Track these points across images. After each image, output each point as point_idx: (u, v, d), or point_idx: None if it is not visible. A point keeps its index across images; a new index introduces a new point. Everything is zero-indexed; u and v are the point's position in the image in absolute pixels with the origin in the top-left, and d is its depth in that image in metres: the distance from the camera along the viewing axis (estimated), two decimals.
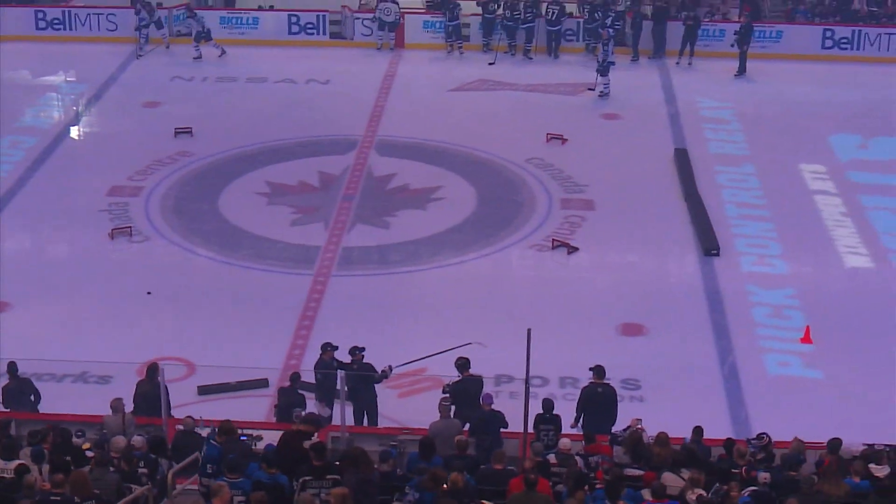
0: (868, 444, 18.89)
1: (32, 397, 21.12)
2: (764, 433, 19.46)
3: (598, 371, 21.07)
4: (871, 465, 17.95)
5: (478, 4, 42.57)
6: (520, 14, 42.03)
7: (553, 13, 42.02)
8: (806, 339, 25.33)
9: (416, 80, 40.16)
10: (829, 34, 42.84)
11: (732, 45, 41.22)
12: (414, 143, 34.82)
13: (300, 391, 21.22)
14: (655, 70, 41.36)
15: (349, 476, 16.08)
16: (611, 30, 39.96)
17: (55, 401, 21.46)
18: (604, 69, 38.31)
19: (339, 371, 20.86)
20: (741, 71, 40.77)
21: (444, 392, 20.66)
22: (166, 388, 20.06)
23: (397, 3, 42.77)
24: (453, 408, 20.27)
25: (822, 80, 40.66)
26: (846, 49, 42.69)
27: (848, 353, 24.95)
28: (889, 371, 24.20)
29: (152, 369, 20.73)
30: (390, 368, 21.40)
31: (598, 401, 20.81)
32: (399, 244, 29.25)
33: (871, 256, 29.06)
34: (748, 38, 40.91)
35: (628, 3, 42.63)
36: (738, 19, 42.44)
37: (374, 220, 30.44)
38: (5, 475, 16.44)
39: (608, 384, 21.05)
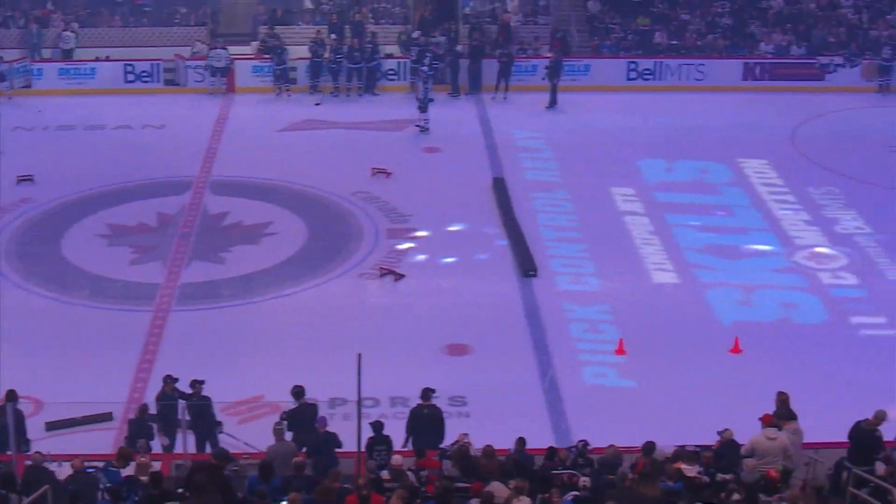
0: (679, 446, 19.33)
1: None
2: (583, 440, 19.87)
3: (424, 393, 21.36)
4: (683, 465, 18.38)
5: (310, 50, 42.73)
6: (343, 56, 42.28)
7: (367, 51, 42.38)
8: (620, 350, 25.85)
9: (247, 123, 40.11)
10: (633, 66, 43.85)
11: (544, 79, 41.95)
12: (246, 181, 34.77)
13: (149, 422, 21.06)
14: (473, 105, 41.93)
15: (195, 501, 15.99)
16: (427, 69, 40.33)
17: None
18: (424, 106, 38.69)
19: (179, 402, 20.79)
20: (552, 103, 41.47)
21: (282, 419, 20.67)
22: (17, 420, 19.74)
23: (227, 50, 42.73)
24: (288, 431, 20.29)
25: (628, 109, 41.57)
26: (649, 80, 43.74)
27: (658, 362, 25.53)
28: (695, 378, 24.87)
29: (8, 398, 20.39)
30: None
31: (426, 420, 21.06)
32: (234, 278, 29.16)
33: (677, 272, 29.81)
34: (558, 72, 41.64)
35: (446, 44, 43.01)
36: (548, 55, 43.12)
37: (211, 256, 30.31)
38: None
39: (434, 405, 21.31)
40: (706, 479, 18.17)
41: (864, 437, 19.50)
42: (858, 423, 19.69)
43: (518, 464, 18.39)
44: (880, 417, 19.66)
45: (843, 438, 19.98)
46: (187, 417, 20.49)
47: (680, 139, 38.94)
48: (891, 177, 36.11)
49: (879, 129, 40.53)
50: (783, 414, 20.01)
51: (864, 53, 44.75)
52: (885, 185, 35.45)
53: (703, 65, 43.96)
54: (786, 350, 26.21)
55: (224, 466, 17.49)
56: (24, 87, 41.82)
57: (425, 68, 40.31)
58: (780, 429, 19.28)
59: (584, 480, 17.61)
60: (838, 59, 44.37)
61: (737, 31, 45.69)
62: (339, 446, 19.77)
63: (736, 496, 16.78)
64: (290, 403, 20.92)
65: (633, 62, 43.94)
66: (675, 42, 45.20)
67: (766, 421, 19.39)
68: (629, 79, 43.72)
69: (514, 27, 45.34)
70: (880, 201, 34.33)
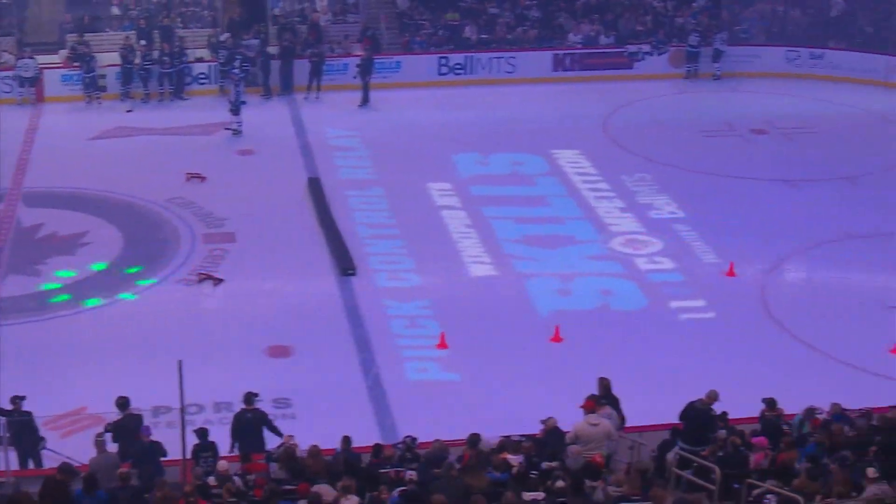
0: (504, 436, 19.60)
1: None
2: (409, 436, 20.02)
3: (247, 398, 21.28)
4: (508, 456, 18.63)
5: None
6: (152, 62, 41.86)
7: (176, 55, 42.05)
8: (442, 344, 26.06)
9: (58, 132, 39.37)
10: (444, 61, 44.23)
11: (355, 77, 42.09)
12: (60, 191, 34.11)
13: None
14: (286, 105, 41.84)
15: None
16: (238, 71, 40.09)
17: None
18: (236, 108, 38.48)
19: (0, 418, 20.38)
20: (365, 101, 41.61)
21: (106, 430, 20.38)
22: None
23: (35, 59, 41.92)
24: (113, 442, 20.03)
25: (441, 104, 41.95)
26: (460, 74, 44.17)
27: (480, 354, 25.81)
28: (517, 367, 25.24)
29: None
30: None
31: (249, 425, 21.00)
32: (52, 290, 28.62)
33: (495, 264, 30.17)
34: (370, 70, 41.78)
35: (257, 45, 42.80)
36: (359, 53, 43.19)
37: (26, 268, 29.70)
38: None
39: (257, 409, 21.22)
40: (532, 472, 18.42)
41: (700, 417, 20.00)
42: (692, 403, 20.17)
43: (346, 463, 18.43)
44: (712, 397, 20.17)
45: (666, 420, 20.54)
46: (8, 434, 20.04)
47: (494, 132, 39.42)
48: (702, 161, 37.09)
49: (689, 115, 41.71)
50: (600, 400, 20.42)
51: (671, 41, 45.85)
52: (696, 170, 36.42)
53: (513, 57, 44.57)
54: (606, 336, 26.72)
55: (69, 481, 17.19)
56: None
57: (236, 71, 40.09)
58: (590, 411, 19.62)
59: (411, 475, 17.73)
60: (646, 48, 45.42)
61: (546, 23, 46.38)
62: (164, 455, 19.55)
63: (560, 483, 17.05)
64: (114, 414, 20.60)
65: (443, 57, 44.31)
66: (485, 36, 45.71)
67: (588, 407, 19.75)
68: (440, 74, 44.09)
69: (323, 26, 45.34)
70: (693, 186, 35.24)
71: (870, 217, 33.06)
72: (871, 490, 15.96)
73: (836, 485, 16.41)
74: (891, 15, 47.17)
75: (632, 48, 45.39)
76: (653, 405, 22.15)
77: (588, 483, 17.13)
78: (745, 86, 45.02)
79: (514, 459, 18.53)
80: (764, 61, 45.99)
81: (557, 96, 43.14)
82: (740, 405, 21.14)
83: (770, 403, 20.59)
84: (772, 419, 20.28)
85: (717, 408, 20.35)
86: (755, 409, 20.77)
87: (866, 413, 20.65)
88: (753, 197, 34.48)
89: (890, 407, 20.74)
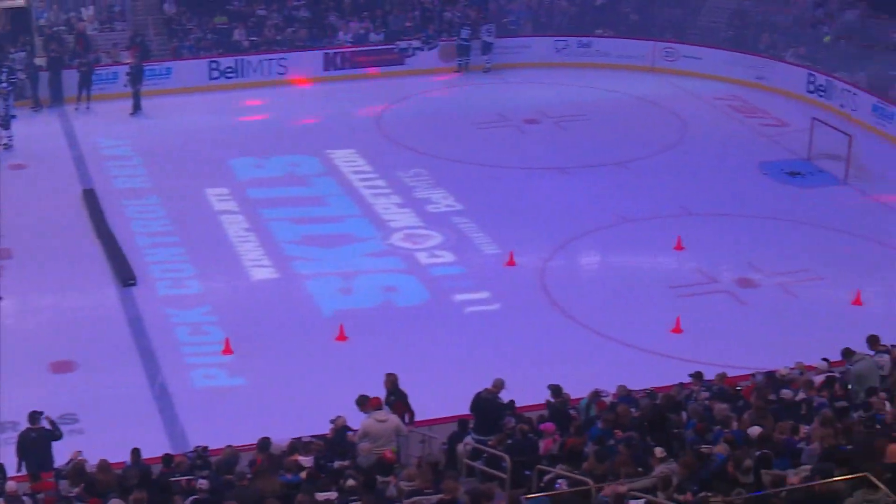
0: (294, 438, 19.61)
1: None
2: (200, 445, 19.86)
3: (31, 417, 20.80)
4: (300, 457, 18.64)
5: None
6: None
7: None
8: (227, 350, 25.95)
9: None
10: (214, 66, 43.85)
11: (126, 86, 41.40)
12: None
13: None
14: (56, 117, 40.86)
15: None
16: (6, 84, 39.07)
17: None
18: (5, 122, 37.56)
19: None
20: (136, 109, 40.96)
21: None
22: None
23: None
24: None
25: (215, 109, 41.58)
26: (232, 78, 43.84)
27: (266, 358, 25.84)
28: (304, 369, 25.38)
29: None
30: None
31: (33, 444, 20.59)
32: None
33: (276, 266, 30.15)
34: (140, 78, 41.13)
35: (24, 57, 41.73)
36: (128, 61, 42.45)
37: None
38: None
39: (42, 427, 20.74)
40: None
41: (487, 406, 20.32)
42: (479, 393, 20.48)
43: (139, 475, 18.21)
44: (499, 385, 20.51)
45: (455, 412, 20.83)
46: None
47: (269, 135, 39.30)
48: (477, 153, 37.61)
49: (462, 108, 42.23)
50: (388, 399, 20.63)
51: (441, 35, 46.33)
52: (471, 162, 36.91)
53: (284, 59, 44.46)
54: (391, 333, 26.96)
55: None
56: None
57: (4, 84, 38.98)
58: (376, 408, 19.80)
59: (203, 483, 17.63)
60: (416, 43, 45.78)
61: (315, 23, 46.38)
62: None
63: (352, 482, 17.15)
64: None
65: (214, 61, 43.95)
66: (254, 38, 45.44)
67: (374, 404, 19.90)
68: (212, 78, 43.70)
69: (91, 35, 44.37)
70: (469, 178, 35.72)
71: (642, 201, 34.05)
72: (659, 469, 16.42)
73: (624, 465, 16.84)
74: (654, 1, 48.50)
75: (402, 44, 45.73)
76: (442, 398, 22.49)
77: (380, 479, 17.26)
78: (515, 77, 45.75)
79: (305, 461, 18.55)
80: (533, 51, 46.81)
81: (330, 95, 43.23)
82: (528, 393, 21.62)
83: (555, 390, 20.97)
84: (558, 405, 20.70)
85: (506, 396, 20.73)
86: (543, 395, 21.17)
87: (650, 393, 21.26)
88: (529, 186, 35.14)
89: (673, 385, 21.42)
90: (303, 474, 17.87)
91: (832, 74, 42.27)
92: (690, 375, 21.93)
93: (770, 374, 21.81)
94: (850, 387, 20.49)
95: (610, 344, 26.68)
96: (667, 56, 46.10)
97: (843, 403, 19.60)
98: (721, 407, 19.36)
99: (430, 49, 45.95)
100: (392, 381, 21.06)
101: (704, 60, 45.39)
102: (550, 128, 40.44)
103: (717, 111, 42.12)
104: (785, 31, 45.94)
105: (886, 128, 39.24)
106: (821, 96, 42.16)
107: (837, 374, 21.31)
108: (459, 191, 34.70)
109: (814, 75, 42.72)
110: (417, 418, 21.14)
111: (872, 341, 21.76)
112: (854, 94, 40.95)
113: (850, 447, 15.95)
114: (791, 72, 43.61)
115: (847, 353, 21.54)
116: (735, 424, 18.51)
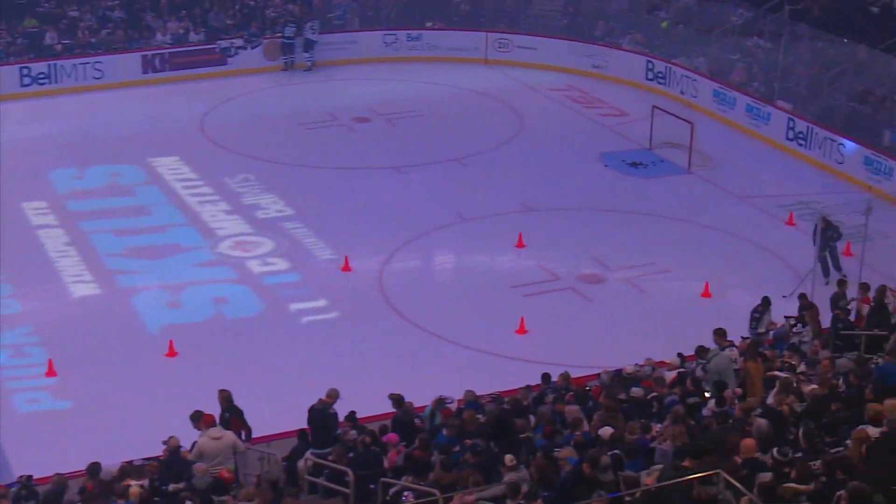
0: (126, 462, 19.32)
1: None
2: (26, 475, 19.39)
3: None
4: (132, 482, 18.33)
5: None
6: None
7: None
8: (50, 372, 25.39)
9: None
10: (25, 71, 42.96)
11: None
12: None
13: None
14: None
15: None
16: None
17: None
18: None
19: None
20: None
21: None
22: None
23: None
24: None
25: (29, 118, 40.81)
26: (45, 84, 42.99)
27: (92, 379, 25.36)
28: (133, 388, 24.95)
29: None
30: None
31: None
32: None
33: (98, 281, 29.63)
34: None
35: None
36: None
37: None
38: None
39: None
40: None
41: (321, 418, 20.21)
42: (313, 406, 20.36)
43: None
44: (332, 396, 20.39)
45: (294, 427, 20.67)
46: None
47: (88, 144, 38.68)
48: (306, 155, 37.47)
49: (289, 108, 42.09)
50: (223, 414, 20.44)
51: (264, 33, 46.06)
52: (301, 164, 36.78)
53: (99, 62, 43.72)
54: (223, 346, 26.70)
55: None
56: None
57: None
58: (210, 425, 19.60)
59: None
60: (238, 42, 45.44)
61: (132, 24, 45.72)
62: None
63: (189, 503, 16.97)
64: None
65: (25, 67, 43.03)
66: (67, 41, 44.62)
67: (208, 422, 19.67)
68: (23, 85, 42.78)
69: None
70: (299, 181, 35.58)
71: (481, 198, 34.26)
72: (508, 477, 16.50)
73: (471, 474, 16.87)
74: None
75: (223, 43, 45.35)
76: (280, 412, 22.33)
77: (217, 500, 17.08)
78: (343, 73, 45.73)
79: (138, 484, 18.25)
80: (361, 47, 46.83)
81: (150, 100, 42.75)
82: (371, 402, 21.59)
83: (396, 400, 20.88)
84: (401, 415, 20.65)
85: (347, 407, 20.65)
86: (386, 405, 21.10)
87: (496, 397, 21.34)
88: (363, 187, 35.10)
89: (520, 388, 21.53)
90: (135, 499, 17.58)
91: (671, 61, 43.05)
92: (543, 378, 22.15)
93: (617, 373, 22.09)
94: (704, 385, 20.76)
95: (453, 348, 26.75)
96: (500, 47, 46.47)
97: (694, 399, 19.94)
98: (572, 409, 19.53)
99: (253, 48, 45.67)
100: (226, 398, 20.81)
101: (539, 50, 45.88)
102: (382, 126, 40.49)
103: (555, 102, 42.61)
104: (621, 18, 46.64)
105: (728, 113, 40.08)
106: (660, 83, 42.91)
107: (689, 370, 21.68)
108: (290, 195, 34.53)
109: (652, 62, 43.45)
110: (256, 434, 20.92)
111: (719, 335, 22.10)
112: (694, 80, 41.75)
113: (703, 444, 16.19)
114: (629, 59, 44.31)
115: (700, 351, 21.93)
116: (585, 426, 18.69)
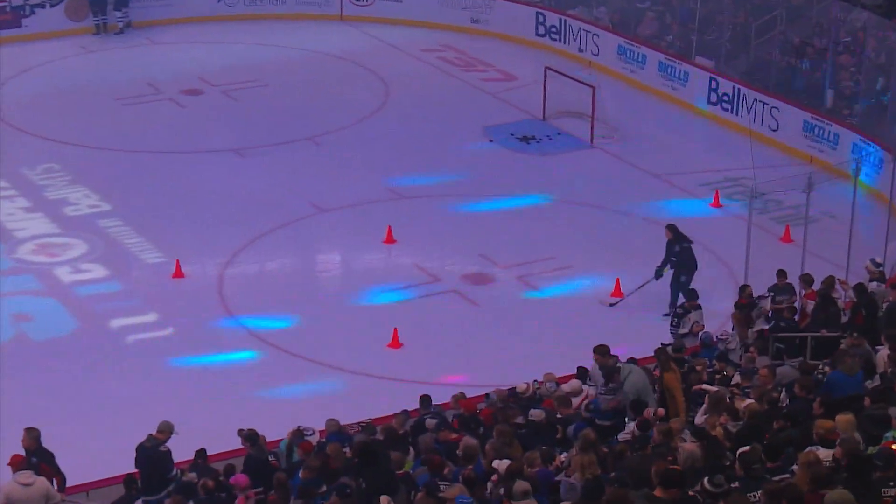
0: None
1: None
2: None
3: None
4: None
5: None
6: None
7: None
8: None
9: None
10: None
11: None
12: None
13: None
14: None
15: None
16: None
17: None
18: None
19: None
20: None
21: None
22: None
23: None
24: None
25: None
26: None
27: None
28: None
29: None
30: None
31: None
32: None
33: None
34: None
35: None
36: None
37: None
38: None
39: None
40: None
41: (151, 458, 20.11)
42: (141, 443, 20.26)
43: None
44: (166, 431, 20.22)
45: (120, 472, 20.61)
46: None
47: None
48: (124, 137, 37.15)
49: (102, 80, 41.64)
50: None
51: None
52: (118, 148, 36.45)
53: None
54: (28, 375, 26.41)
55: None
56: None
57: None
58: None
59: None
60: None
61: None
62: None
63: None
64: None
65: None
66: None
67: (16, 463, 19.51)
68: None
69: None
70: (117, 169, 35.33)
71: (341, 184, 34.32)
72: None
73: None
74: None
75: (16, 1, 44.75)
76: (101, 454, 22.24)
77: None
78: (167, 36, 45.31)
79: None
80: (186, 4, 46.42)
81: None
82: (217, 438, 21.68)
83: (248, 437, 20.70)
84: (255, 453, 20.55)
85: (185, 444, 20.55)
86: (235, 441, 21.04)
87: (366, 426, 21.34)
88: (195, 175, 35.00)
89: (395, 414, 21.55)
90: None
91: (566, 12, 43.37)
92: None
93: (512, 391, 22.19)
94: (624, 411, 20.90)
95: (312, 367, 26.81)
96: (358, 1, 46.47)
97: (605, 422, 20.14)
98: (469, 442, 19.47)
99: (52, 5, 45.13)
100: (33, 438, 20.53)
101: (406, 4, 45.92)
102: (218, 99, 40.37)
103: (427, 66, 42.76)
104: None
105: (636, 73, 40.55)
106: (554, 40, 43.20)
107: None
108: (106, 186, 34.30)
109: (543, 14, 43.71)
110: (71, 482, 20.73)
111: (599, 352, 21.53)
112: (595, 34, 42.04)
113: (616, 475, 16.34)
114: (515, 11, 44.50)
115: (610, 371, 21.71)
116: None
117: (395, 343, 27.24)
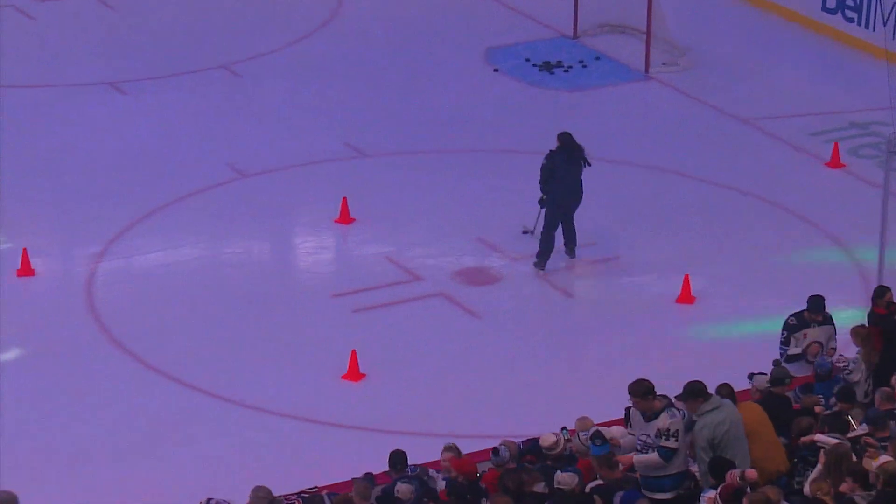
0: None
1: None
2: None
3: None
4: None
5: None
6: None
7: None
8: None
9: None
10: None
11: None
12: None
13: None
14: None
15: None
16: None
17: None
18: None
19: None
20: None
21: None
22: None
23: None
24: None
25: None
26: None
27: None
28: None
29: None
30: None
31: None
32: None
33: None
34: None
35: None
36: None
37: None
38: None
39: None
40: None
41: None
42: None
43: None
44: (9, 501, 20.31)
45: None
46: None
47: None
48: None
49: None
50: None
51: None
52: None
53: None
54: None
55: None
56: None
57: None
58: None
59: None
60: None
61: None
62: None
63: None
64: None
65: None
66: None
67: None
68: None
69: None
70: None
71: (268, 133, 34.53)
72: None
73: None
74: None
75: None
76: None
77: None
78: None
79: None
80: None
81: None
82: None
83: None
84: None
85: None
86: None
87: (312, 497, 21.36)
88: (54, 121, 35.15)
89: (354, 479, 21.50)
90: None
91: None
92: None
93: (531, 444, 22.11)
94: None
95: (229, 409, 26.71)
96: None
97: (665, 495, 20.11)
98: None
99: None
100: None
101: None
102: (88, 5, 40.22)
103: None
104: None
105: None
106: None
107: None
108: None
109: None
110: None
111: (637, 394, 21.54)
112: None
113: None
114: None
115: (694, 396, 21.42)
116: None
117: (354, 373, 27.21)
